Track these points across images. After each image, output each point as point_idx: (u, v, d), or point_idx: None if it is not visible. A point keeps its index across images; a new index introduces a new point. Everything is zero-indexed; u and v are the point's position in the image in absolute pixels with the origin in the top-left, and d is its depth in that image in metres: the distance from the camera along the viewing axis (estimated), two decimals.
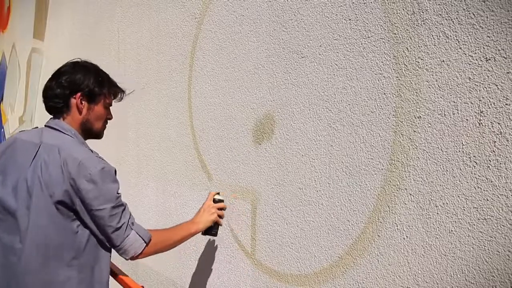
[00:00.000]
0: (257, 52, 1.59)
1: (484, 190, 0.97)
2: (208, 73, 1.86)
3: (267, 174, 1.55)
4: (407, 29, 1.12)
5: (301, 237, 1.42)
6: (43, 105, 1.49)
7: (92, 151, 1.42)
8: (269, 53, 1.54)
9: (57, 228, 1.32)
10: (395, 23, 1.15)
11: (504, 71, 0.94)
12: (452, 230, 1.03)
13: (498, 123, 0.95)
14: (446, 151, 1.04)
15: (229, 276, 1.74)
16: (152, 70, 2.30)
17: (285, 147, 1.47)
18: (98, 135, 1.52)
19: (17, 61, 5.41)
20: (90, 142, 1.56)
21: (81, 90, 1.43)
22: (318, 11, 1.36)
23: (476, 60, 0.98)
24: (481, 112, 0.98)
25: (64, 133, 1.41)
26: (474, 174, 0.99)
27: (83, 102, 1.44)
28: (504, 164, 0.94)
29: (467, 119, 1.00)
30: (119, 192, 1.39)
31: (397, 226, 1.14)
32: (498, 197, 0.95)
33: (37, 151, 1.35)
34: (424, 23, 1.08)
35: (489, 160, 0.96)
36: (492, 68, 0.96)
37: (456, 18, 1.02)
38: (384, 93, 1.17)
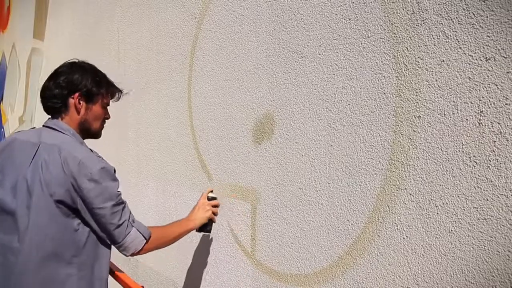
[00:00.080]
0: (257, 52, 1.59)
1: (484, 190, 0.97)
2: (208, 73, 1.86)
3: (267, 174, 1.55)
4: (407, 29, 1.12)
5: (301, 237, 1.42)
6: None
7: (91, 150, 1.43)
8: (269, 53, 1.54)
9: (58, 226, 1.33)
10: (395, 22, 1.15)
11: (504, 71, 0.94)
12: (452, 230, 1.03)
13: (498, 123, 0.95)
14: (446, 151, 1.04)
15: (229, 276, 1.74)
16: (152, 70, 2.30)
17: (285, 147, 1.47)
18: (96, 134, 1.54)
19: (17, 61, 5.41)
20: (91, 142, 1.56)
21: (79, 90, 1.44)
22: (318, 11, 1.36)
23: (476, 59, 0.98)
24: (481, 112, 0.97)
25: (63, 133, 1.42)
26: (474, 174, 0.99)
27: (81, 102, 1.45)
28: (504, 164, 0.94)
29: (467, 119, 1.00)
30: (119, 190, 1.40)
31: (397, 226, 1.14)
32: (498, 197, 0.95)
33: (36, 151, 1.36)
34: (424, 23, 1.08)
35: (489, 160, 0.96)
36: (492, 67, 0.95)
37: (456, 17, 1.02)
38: (384, 93, 1.17)
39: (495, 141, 0.95)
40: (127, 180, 2.49)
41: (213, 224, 1.71)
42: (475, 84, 0.98)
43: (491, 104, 0.96)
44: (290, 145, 1.45)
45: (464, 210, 1.00)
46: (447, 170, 1.04)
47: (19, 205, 1.33)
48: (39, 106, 1.50)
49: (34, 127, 1.57)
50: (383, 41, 1.18)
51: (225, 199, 1.75)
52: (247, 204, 1.65)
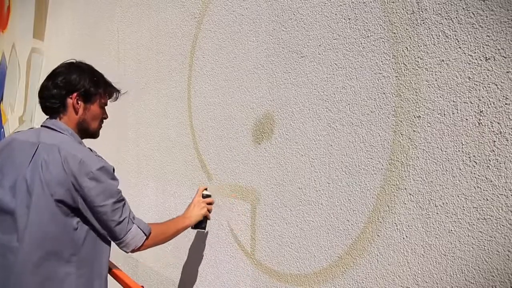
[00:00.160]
0: (257, 52, 1.59)
1: (483, 190, 0.97)
2: (208, 73, 1.86)
3: (267, 174, 1.55)
4: (406, 29, 1.12)
5: (301, 237, 1.41)
6: None
7: (91, 150, 1.44)
8: (269, 53, 1.54)
9: (57, 225, 1.34)
10: (394, 22, 1.15)
11: (503, 71, 0.93)
12: (451, 230, 1.03)
13: (498, 123, 0.94)
14: (445, 151, 1.04)
15: (229, 276, 1.74)
16: (151, 70, 2.30)
17: (285, 147, 1.47)
18: (94, 134, 1.55)
19: (17, 61, 5.41)
20: (91, 142, 1.56)
21: (77, 90, 1.46)
22: (318, 11, 1.36)
23: (476, 59, 0.98)
24: (480, 111, 0.97)
25: (62, 133, 1.43)
26: (474, 173, 0.99)
27: (79, 102, 1.47)
28: (504, 163, 0.94)
29: (466, 119, 1.00)
30: (119, 188, 1.42)
31: (396, 226, 1.14)
32: (498, 196, 0.95)
33: (36, 151, 1.37)
34: (423, 23, 1.08)
35: (489, 160, 0.96)
36: (491, 67, 0.95)
37: (456, 17, 1.02)
38: (384, 93, 1.17)
39: (495, 141, 0.95)
40: (127, 180, 2.49)
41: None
42: (474, 84, 0.98)
43: (491, 104, 0.96)
44: (290, 145, 1.45)
45: (464, 210, 1.00)
46: (447, 170, 1.03)
47: (18, 204, 1.34)
48: (39, 106, 1.51)
49: (32, 128, 1.57)
50: (382, 41, 1.17)
51: (225, 199, 1.75)
52: (247, 204, 1.65)
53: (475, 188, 0.98)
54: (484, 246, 0.97)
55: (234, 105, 1.71)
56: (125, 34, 2.59)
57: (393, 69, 1.15)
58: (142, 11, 2.39)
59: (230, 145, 1.73)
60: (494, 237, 0.95)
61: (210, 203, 1.72)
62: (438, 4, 1.05)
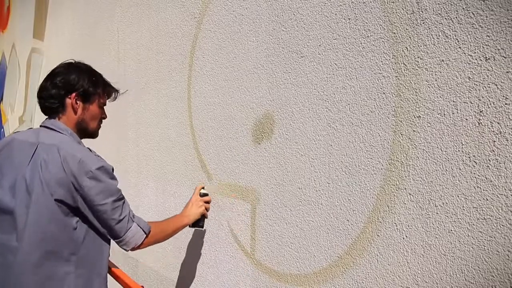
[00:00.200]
0: (257, 52, 1.59)
1: (483, 190, 0.97)
2: (208, 73, 1.86)
3: (267, 174, 1.55)
4: (406, 29, 1.12)
5: (301, 237, 1.41)
6: None
7: (90, 149, 1.45)
8: (269, 53, 1.54)
9: (57, 225, 1.34)
10: (394, 22, 1.15)
11: (503, 71, 0.93)
12: (451, 230, 1.03)
13: (498, 123, 0.94)
14: (445, 151, 1.04)
15: (229, 276, 1.74)
16: (151, 70, 2.30)
17: (285, 147, 1.47)
18: (93, 134, 1.56)
19: (17, 61, 5.41)
20: (90, 142, 1.56)
21: (76, 90, 1.46)
22: (318, 11, 1.36)
23: (476, 59, 0.98)
24: (480, 111, 0.97)
25: (61, 133, 1.44)
26: (474, 173, 0.99)
27: (78, 102, 1.47)
28: (504, 163, 0.93)
29: (466, 119, 1.00)
30: (118, 187, 1.42)
31: (396, 226, 1.14)
32: (498, 196, 0.95)
33: (35, 151, 1.37)
34: (423, 23, 1.08)
35: (489, 160, 0.96)
36: (491, 67, 0.95)
37: (456, 17, 1.02)
38: (384, 93, 1.17)
39: (494, 141, 0.95)
40: (127, 180, 2.49)
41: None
42: (474, 83, 0.98)
43: (490, 104, 0.96)
44: (290, 145, 1.45)
45: (464, 210, 1.00)
46: (446, 170, 1.03)
47: (18, 204, 1.34)
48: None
49: (31, 128, 1.58)
50: (382, 41, 1.17)
51: (225, 199, 1.75)
52: (247, 204, 1.65)
53: (475, 188, 0.98)
54: (484, 246, 0.97)
55: (234, 105, 1.71)
56: (125, 34, 2.59)
57: (393, 69, 1.15)
58: (142, 11, 2.39)
59: (230, 145, 1.73)
60: (494, 237, 0.95)
61: (207, 202, 1.72)
62: (438, 4, 1.05)
